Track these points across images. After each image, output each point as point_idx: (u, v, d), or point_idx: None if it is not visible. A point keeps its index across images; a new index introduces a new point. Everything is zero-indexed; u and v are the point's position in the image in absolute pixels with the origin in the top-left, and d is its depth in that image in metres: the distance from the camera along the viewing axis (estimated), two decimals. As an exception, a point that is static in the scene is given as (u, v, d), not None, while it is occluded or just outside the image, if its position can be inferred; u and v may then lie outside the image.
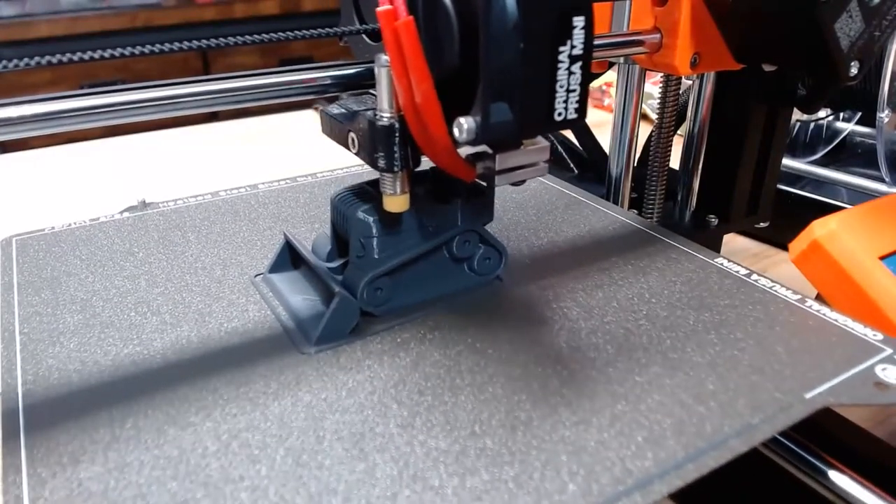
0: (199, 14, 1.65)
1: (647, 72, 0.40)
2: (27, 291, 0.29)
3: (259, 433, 0.21)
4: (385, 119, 0.23)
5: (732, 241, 0.53)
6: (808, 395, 0.22)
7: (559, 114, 0.21)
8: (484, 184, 0.28)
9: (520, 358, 0.24)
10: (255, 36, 0.25)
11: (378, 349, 0.25)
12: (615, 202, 0.43)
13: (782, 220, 0.45)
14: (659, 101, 0.42)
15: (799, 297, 0.27)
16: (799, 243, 0.34)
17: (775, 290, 0.28)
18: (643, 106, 0.44)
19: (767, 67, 0.38)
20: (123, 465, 0.20)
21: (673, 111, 0.42)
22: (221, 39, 0.23)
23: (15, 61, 0.20)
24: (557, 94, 0.21)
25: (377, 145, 0.23)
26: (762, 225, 0.46)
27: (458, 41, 0.21)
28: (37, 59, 0.20)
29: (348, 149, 0.25)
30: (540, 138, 0.24)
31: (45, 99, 0.21)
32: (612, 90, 0.66)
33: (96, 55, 0.21)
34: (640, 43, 0.34)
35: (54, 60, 0.20)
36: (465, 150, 0.23)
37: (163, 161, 0.72)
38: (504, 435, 0.21)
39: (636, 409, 0.22)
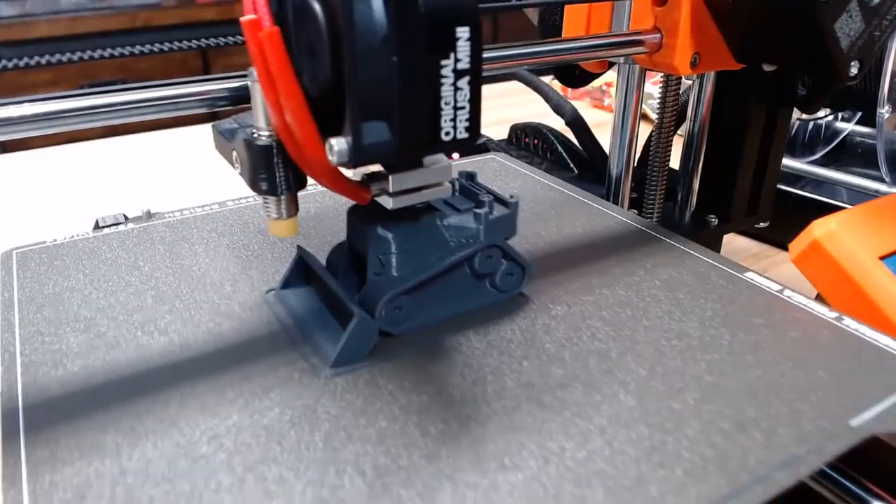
0: (199, 14, 1.61)
1: (647, 72, 0.39)
2: (28, 309, 0.27)
3: (275, 465, 0.19)
4: (263, 139, 0.21)
5: (732, 241, 0.52)
6: (854, 423, 0.20)
7: (447, 133, 0.19)
8: (511, 198, 0.26)
9: (548, 382, 0.22)
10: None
11: (398, 373, 0.23)
12: (615, 202, 0.42)
13: (782, 220, 0.44)
14: (659, 101, 0.41)
15: (836, 315, 0.25)
16: (799, 243, 0.33)
17: (811, 308, 0.26)
18: (643, 106, 0.43)
19: (767, 67, 0.37)
20: (132, 502, 0.18)
21: (673, 111, 0.41)
22: (221, 39, 0.21)
23: (14, 61, 0.18)
24: (443, 112, 0.19)
25: (256, 167, 0.21)
26: (762, 225, 0.45)
27: (329, 54, 0.18)
28: (37, 58, 0.18)
29: (234, 168, 0.23)
30: (442, 156, 0.21)
31: (45, 99, 0.20)
32: (612, 90, 0.65)
33: (96, 55, 0.20)
34: (640, 43, 0.33)
35: (54, 60, 0.19)
36: (363, 170, 0.21)
37: (163, 161, 0.70)
38: (536, 468, 0.19)
39: (675, 438, 0.20)
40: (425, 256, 0.24)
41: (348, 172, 0.21)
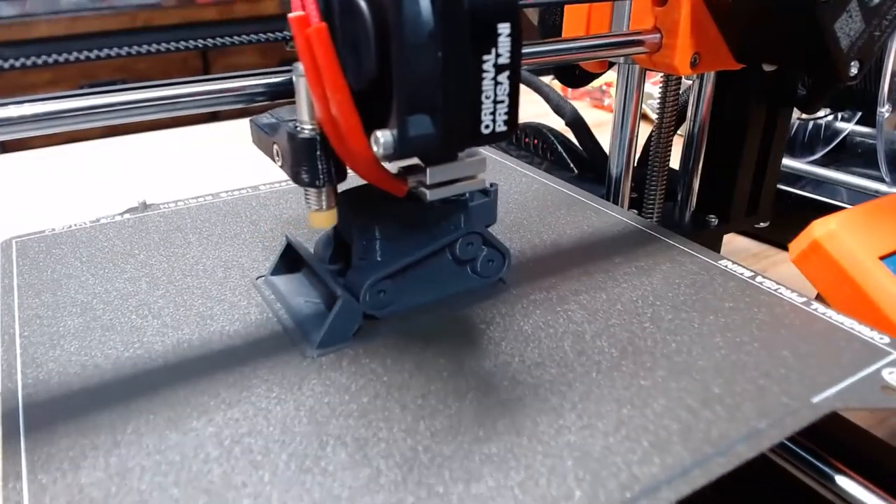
0: (199, 14, 1.63)
1: (647, 72, 0.39)
2: (27, 294, 0.28)
3: (262, 438, 0.21)
4: (306, 132, 0.22)
5: (732, 241, 0.53)
6: (816, 400, 0.21)
7: (486, 126, 0.20)
8: (490, 187, 0.27)
9: (524, 362, 0.24)
10: (255, 36, 0.24)
11: (381, 352, 0.24)
12: (615, 202, 0.42)
13: (782, 220, 0.45)
14: (659, 101, 0.41)
15: (804, 299, 0.27)
16: (799, 243, 0.34)
17: (780, 293, 0.27)
18: (643, 106, 0.43)
19: (767, 67, 0.38)
20: (125, 471, 0.19)
21: (673, 111, 0.41)
22: (222, 39, 0.22)
23: (15, 61, 0.20)
24: (484, 106, 0.20)
25: (299, 159, 0.22)
26: (762, 225, 0.46)
27: (374, 49, 0.20)
28: (43, 58, 0.20)
29: (274, 161, 0.24)
30: (477, 149, 0.23)
31: (45, 99, 0.20)
32: (612, 90, 0.66)
33: (101, 54, 0.21)
34: (640, 43, 0.34)
35: (61, 59, 0.20)
36: (399, 163, 0.22)
37: (163, 161, 0.72)
38: (509, 440, 0.20)
39: (642, 413, 0.21)
40: (408, 242, 0.26)
41: (386, 165, 0.22)
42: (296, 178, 0.23)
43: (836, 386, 0.22)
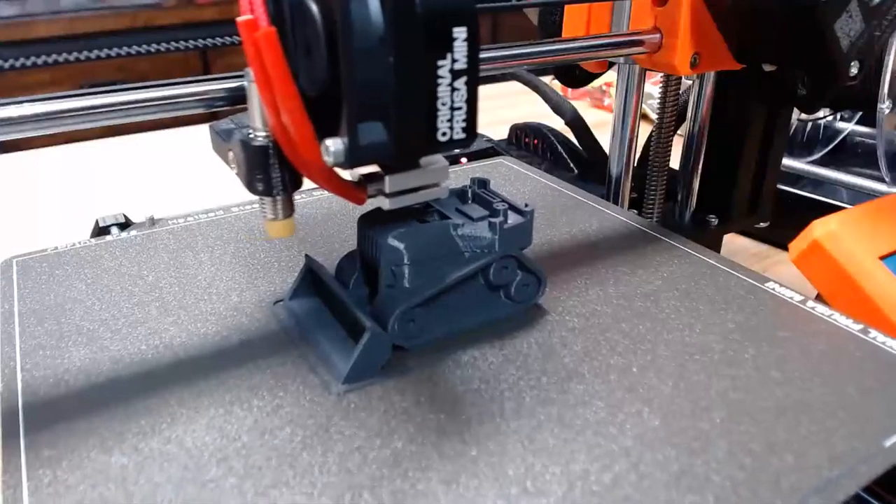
0: (199, 14, 1.58)
1: (647, 72, 0.38)
2: (29, 321, 0.26)
3: (288, 491, 0.18)
4: (259, 139, 0.20)
5: (732, 241, 0.51)
6: (889, 443, 0.19)
7: (444, 133, 0.19)
8: (526, 207, 0.25)
9: (569, 399, 0.21)
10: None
11: (412, 389, 0.22)
12: (615, 202, 0.41)
13: (782, 220, 0.44)
14: (659, 101, 0.40)
15: (861, 327, 0.24)
16: (799, 243, 0.33)
17: (835, 320, 0.25)
18: (643, 106, 0.42)
19: (767, 67, 0.37)
20: None
21: (673, 111, 0.40)
22: (221, 39, 0.21)
23: (15, 61, 0.19)
24: (440, 113, 0.18)
25: (252, 167, 0.21)
26: (762, 225, 0.45)
27: (325, 53, 0.18)
28: (43, 58, 0.19)
29: (230, 168, 0.22)
30: (439, 157, 0.21)
31: (45, 99, 0.20)
32: (612, 90, 0.64)
33: (101, 54, 0.20)
34: (640, 43, 0.33)
35: (60, 59, 0.19)
36: (360, 171, 0.21)
37: (163, 161, 0.69)
38: (561, 493, 0.18)
39: (704, 461, 0.19)
40: (439, 267, 0.23)
41: (345, 173, 0.21)
42: (250, 186, 0.21)
43: None
